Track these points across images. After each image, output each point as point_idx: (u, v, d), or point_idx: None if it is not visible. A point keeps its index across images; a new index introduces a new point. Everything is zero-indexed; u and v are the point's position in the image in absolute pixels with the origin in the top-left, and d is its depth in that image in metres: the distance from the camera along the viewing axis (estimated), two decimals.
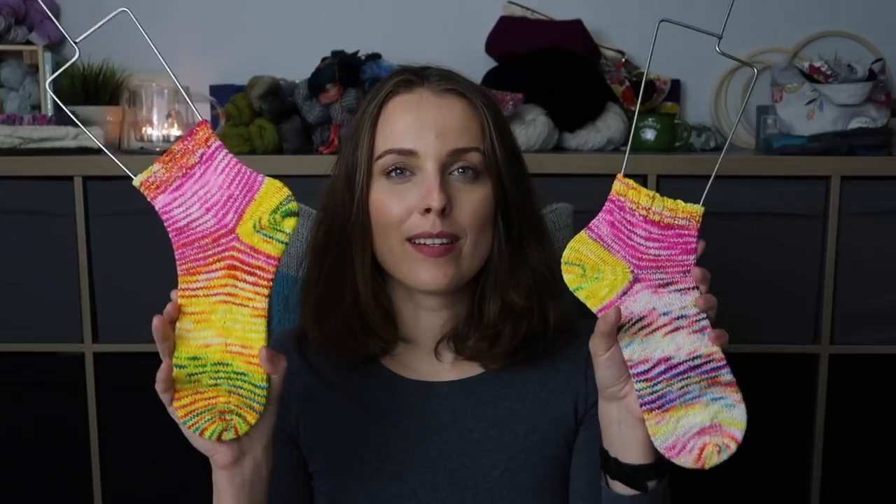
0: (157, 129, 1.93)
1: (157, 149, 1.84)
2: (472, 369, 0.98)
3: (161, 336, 0.76)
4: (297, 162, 1.72)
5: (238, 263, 0.78)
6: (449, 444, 0.95)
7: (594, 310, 0.80)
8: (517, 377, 0.98)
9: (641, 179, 1.71)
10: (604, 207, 0.81)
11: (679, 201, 0.79)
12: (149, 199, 0.78)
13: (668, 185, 1.70)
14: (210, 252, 0.78)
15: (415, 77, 0.94)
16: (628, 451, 0.85)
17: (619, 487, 0.86)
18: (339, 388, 0.98)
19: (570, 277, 0.81)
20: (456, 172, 0.91)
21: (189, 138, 0.78)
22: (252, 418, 0.78)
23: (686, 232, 0.78)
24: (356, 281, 0.94)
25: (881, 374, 1.76)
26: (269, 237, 0.78)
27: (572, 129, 1.93)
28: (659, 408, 0.77)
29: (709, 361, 0.77)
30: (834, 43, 2.09)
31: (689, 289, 0.77)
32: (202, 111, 2.02)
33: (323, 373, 0.98)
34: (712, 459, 0.75)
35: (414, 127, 0.90)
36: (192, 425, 0.76)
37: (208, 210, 0.79)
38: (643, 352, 0.78)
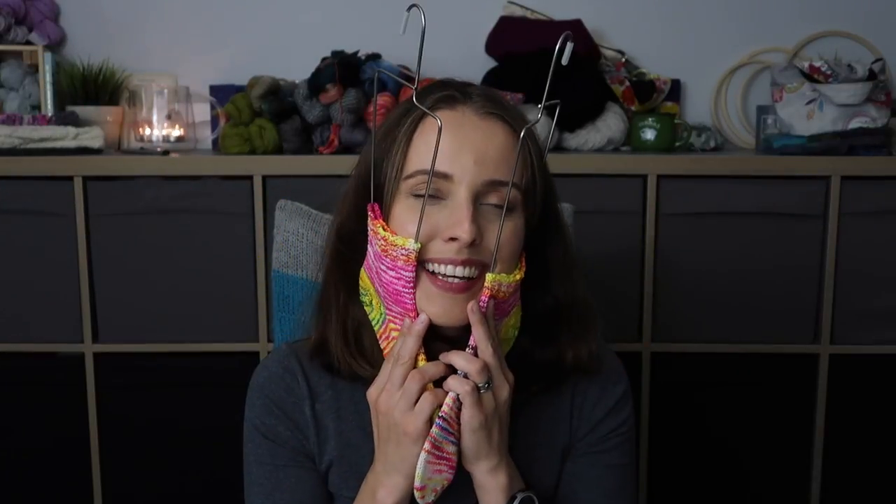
0: (157, 129, 1.94)
1: (158, 149, 1.85)
2: None
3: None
4: (297, 162, 1.72)
5: None
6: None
7: None
8: (516, 407, 0.93)
9: (641, 179, 1.71)
10: None
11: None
12: None
13: (668, 185, 1.70)
14: None
15: (458, 94, 0.88)
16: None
17: None
18: (343, 413, 0.95)
19: None
20: (489, 205, 0.86)
21: None
22: None
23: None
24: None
25: (881, 374, 1.76)
26: None
27: (572, 129, 1.93)
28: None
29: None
30: (834, 43, 2.09)
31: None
32: (202, 111, 2.03)
33: (326, 397, 0.95)
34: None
35: (452, 148, 0.84)
36: None
37: None
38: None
